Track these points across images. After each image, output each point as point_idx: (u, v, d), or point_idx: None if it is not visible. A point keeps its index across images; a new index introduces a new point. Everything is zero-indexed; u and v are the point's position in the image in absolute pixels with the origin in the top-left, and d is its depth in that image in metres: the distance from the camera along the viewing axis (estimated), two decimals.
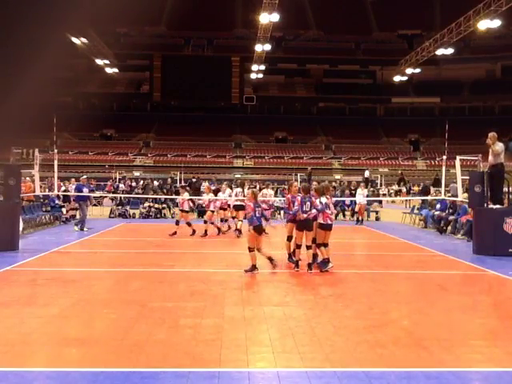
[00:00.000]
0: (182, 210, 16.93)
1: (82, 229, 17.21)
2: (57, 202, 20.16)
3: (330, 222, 10.39)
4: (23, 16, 23.17)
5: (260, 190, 19.04)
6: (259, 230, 9.98)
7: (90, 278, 9.34)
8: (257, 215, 9.87)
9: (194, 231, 16.15)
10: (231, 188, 18.90)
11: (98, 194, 28.21)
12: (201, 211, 24.08)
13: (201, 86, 52.66)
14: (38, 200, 19.75)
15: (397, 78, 51.78)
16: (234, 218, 17.47)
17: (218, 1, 51.38)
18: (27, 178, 20.03)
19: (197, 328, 6.28)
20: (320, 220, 10.27)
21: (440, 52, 42.72)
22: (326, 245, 10.33)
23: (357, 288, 8.91)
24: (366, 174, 38.79)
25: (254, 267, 9.77)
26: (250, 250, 9.88)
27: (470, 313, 7.44)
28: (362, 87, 57.54)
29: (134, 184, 34.62)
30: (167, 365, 5.09)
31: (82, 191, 17.74)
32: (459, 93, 56.47)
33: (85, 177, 19.33)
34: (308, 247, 10.17)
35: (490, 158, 13.10)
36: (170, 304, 7.47)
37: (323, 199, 10.39)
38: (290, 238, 10.80)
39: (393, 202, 34.14)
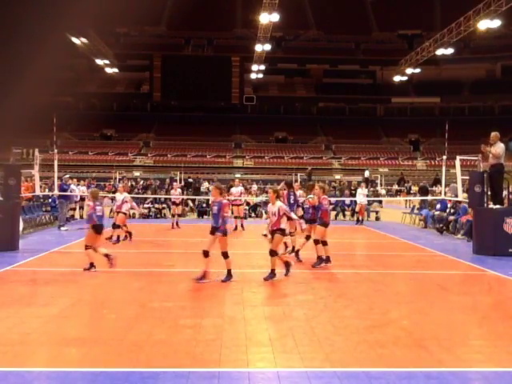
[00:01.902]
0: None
1: (59, 227, 17.18)
2: (57, 202, 20.14)
3: (277, 227, 9.42)
4: (23, 16, 23.16)
5: (230, 187, 19.50)
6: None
7: (90, 278, 9.34)
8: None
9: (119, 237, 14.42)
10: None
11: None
12: (201, 211, 24.12)
13: (201, 86, 52.64)
14: (38, 200, 19.75)
15: (397, 78, 51.77)
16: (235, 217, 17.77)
17: (218, 1, 51.39)
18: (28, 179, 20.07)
19: (197, 328, 6.28)
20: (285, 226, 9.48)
21: (440, 52, 42.71)
22: (272, 253, 9.39)
23: (357, 288, 8.91)
24: (366, 173, 38.75)
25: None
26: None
27: (470, 313, 7.44)
28: (362, 87, 57.52)
29: (133, 183, 34.59)
30: (167, 365, 5.09)
31: (65, 190, 17.73)
32: (459, 93, 56.44)
33: (67, 176, 19.36)
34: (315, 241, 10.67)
35: (490, 158, 13.12)
36: (169, 304, 7.47)
37: (276, 205, 9.40)
38: (308, 237, 11.32)
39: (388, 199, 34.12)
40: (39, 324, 6.41)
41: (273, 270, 9.28)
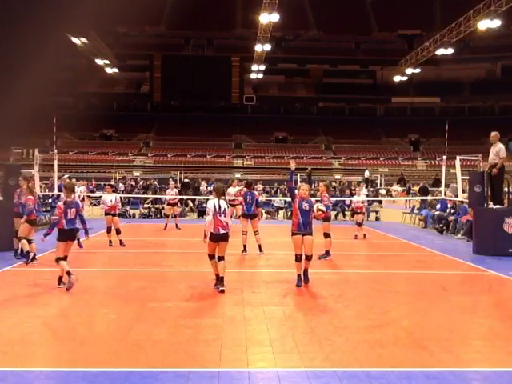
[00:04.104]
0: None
1: None
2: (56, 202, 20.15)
3: (221, 232, 8.18)
4: (24, 16, 23.18)
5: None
6: None
7: (90, 278, 9.34)
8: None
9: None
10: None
11: (98, 193, 28.20)
12: (200, 211, 24.10)
13: (201, 86, 52.61)
14: (38, 200, 19.72)
15: (397, 78, 51.76)
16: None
17: (217, 1, 51.37)
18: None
19: (197, 328, 6.27)
20: (210, 229, 8.20)
21: (440, 52, 42.68)
22: (217, 257, 8.35)
23: (357, 288, 8.91)
24: (366, 173, 38.77)
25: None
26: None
27: (470, 313, 7.44)
28: (362, 87, 57.47)
29: (133, 183, 34.59)
30: (167, 365, 5.09)
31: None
32: (459, 93, 56.43)
33: (66, 176, 19.34)
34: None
35: (490, 157, 13.13)
36: (169, 304, 7.47)
37: (222, 202, 8.31)
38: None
39: (393, 201, 34.11)
40: (39, 324, 6.41)
41: (220, 277, 8.34)
